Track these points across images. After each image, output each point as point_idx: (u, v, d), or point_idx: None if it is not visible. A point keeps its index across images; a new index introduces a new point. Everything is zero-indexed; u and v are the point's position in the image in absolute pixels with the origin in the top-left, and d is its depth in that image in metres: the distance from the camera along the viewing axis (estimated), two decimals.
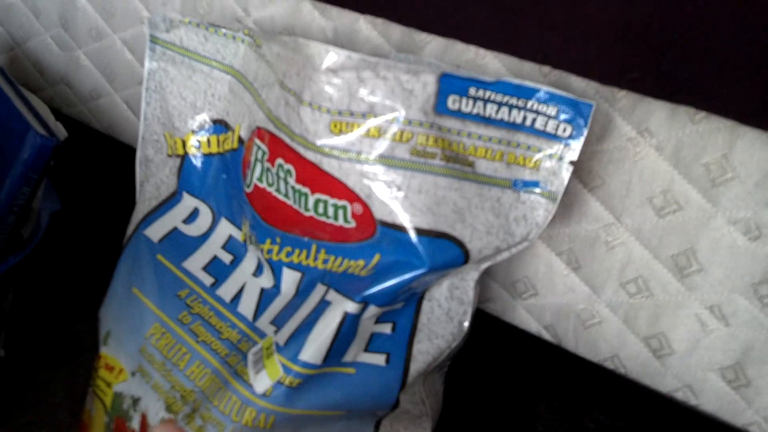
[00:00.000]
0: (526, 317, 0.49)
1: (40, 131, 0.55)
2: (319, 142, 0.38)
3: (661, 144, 0.39)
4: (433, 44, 0.45)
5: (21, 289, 0.65)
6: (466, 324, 0.42)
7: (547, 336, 0.48)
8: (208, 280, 0.45)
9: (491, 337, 0.54)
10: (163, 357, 0.44)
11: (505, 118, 0.38)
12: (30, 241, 0.60)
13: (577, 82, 0.41)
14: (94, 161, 0.75)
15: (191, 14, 0.56)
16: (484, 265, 0.41)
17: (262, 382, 0.39)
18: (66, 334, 0.65)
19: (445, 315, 0.42)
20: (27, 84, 0.71)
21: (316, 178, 0.39)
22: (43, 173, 0.55)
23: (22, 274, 0.62)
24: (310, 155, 0.39)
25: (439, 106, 0.37)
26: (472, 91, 0.37)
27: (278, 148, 0.40)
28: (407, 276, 0.38)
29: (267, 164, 0.42)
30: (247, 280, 0.45)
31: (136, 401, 0.44)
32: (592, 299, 0.45)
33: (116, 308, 0.47)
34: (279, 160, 0.40)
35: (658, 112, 0.39)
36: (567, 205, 0.44)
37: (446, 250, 0.38)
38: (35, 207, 0.60)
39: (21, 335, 0.64)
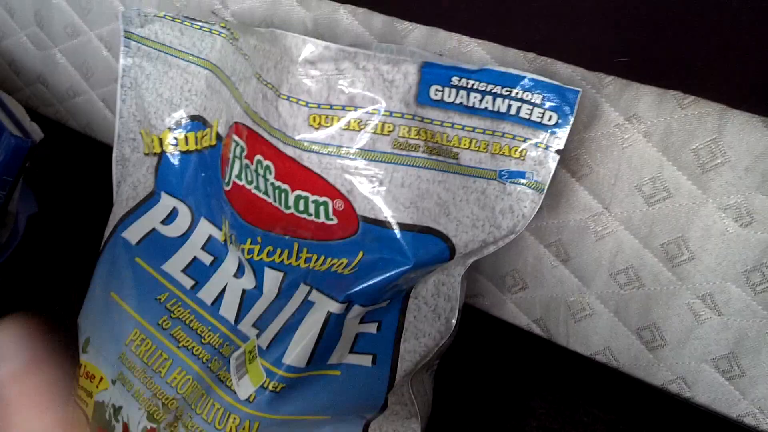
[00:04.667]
0: (515, 311, 0.48)
1: (15, 133, 0.53)
2: (298, 137, 0.37)
3: (650, 130, 0.38)
4: (415, 33, 0.44)
5: None
6: (454, 321, 0.41)
7: (537, 330, 0.47)
8: (188, 282, 0.44)
9: (481, 333, 0.53)
10: (143, 364, 0.42)
11: (489, 107, 0.36)
12: (7, 246, 0.58)
13: (563, 69, 0.40)
14: (72, 161, 0.73)
15: (168, 8, 0.54)
16: (471, 260, 0.40)
17: (245, 387, 0.38)
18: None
19: (431, 312, 0.41)
20: (3, 85, 0.70)
21: (296, 174, 0.38)
22: (19, 175, 0.54)
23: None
24: (289, 150, 0.37)
25: (421, 97, 0.36)
26: (454, 80, 0.36)
27: (257, 143, 0.39)
28: (392, 273, 0.37)
29: (245, 161, 0.40)
30: (228, 282, 0.43)
31: (117, 410, 0.43)
32: (582, 291, 0.44)
33: (95, 314, 0.46)
34: (258, 157, 0.39)
35: (645, 98, 0.38)
36: (554, 195, 0.43)
37: (431, 246, 0.37)
38: (12, 210, 0.58)
39: None
